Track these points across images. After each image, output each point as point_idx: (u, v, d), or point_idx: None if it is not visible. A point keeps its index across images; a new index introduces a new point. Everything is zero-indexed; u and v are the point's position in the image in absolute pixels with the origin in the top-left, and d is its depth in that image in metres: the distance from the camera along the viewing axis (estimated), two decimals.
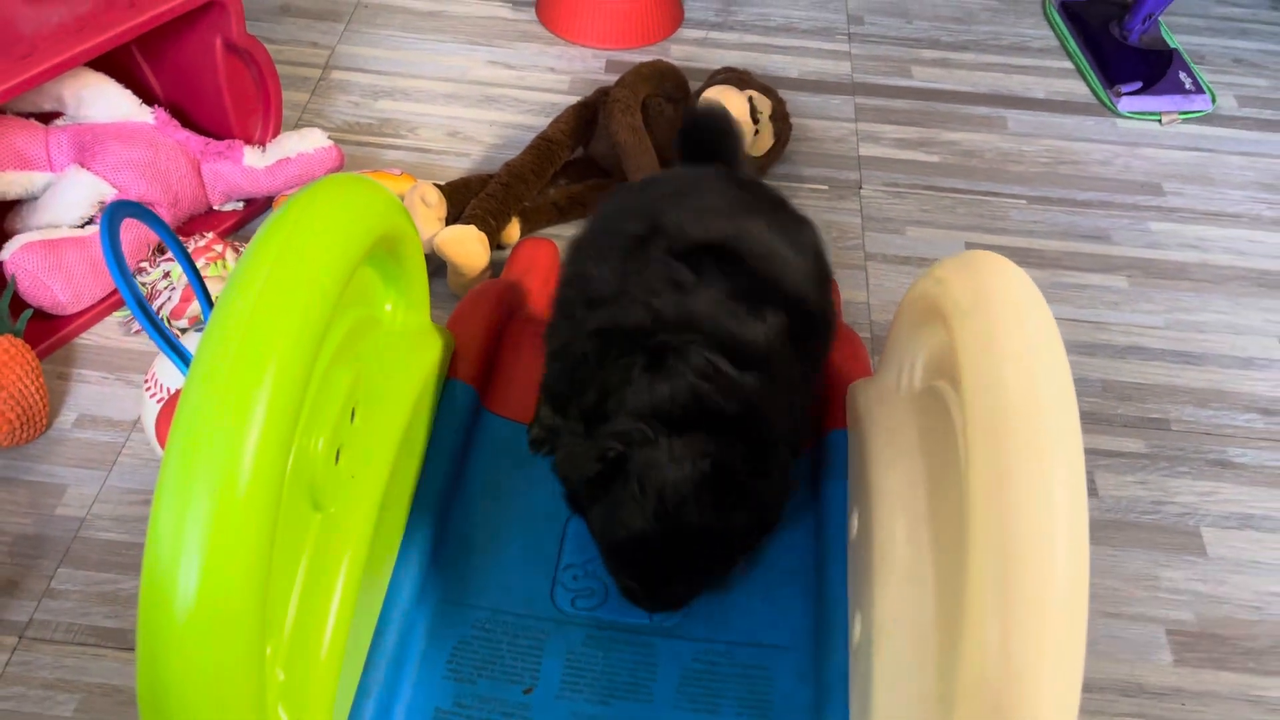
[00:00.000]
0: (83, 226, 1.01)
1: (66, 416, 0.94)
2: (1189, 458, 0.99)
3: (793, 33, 1.45)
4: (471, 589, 0.75)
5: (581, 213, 1.16)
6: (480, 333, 0.89)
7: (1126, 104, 1.35)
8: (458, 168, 1.21)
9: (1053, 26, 1.49)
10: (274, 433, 0.50)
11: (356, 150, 1.21)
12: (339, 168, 1.12)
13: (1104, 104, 1.37)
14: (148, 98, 1.09)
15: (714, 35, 1.43)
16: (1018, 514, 0.51)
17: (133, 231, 1.01)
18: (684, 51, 1.40)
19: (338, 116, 1.26)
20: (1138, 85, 1.36)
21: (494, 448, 0.83)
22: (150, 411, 0.86)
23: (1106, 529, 0.93)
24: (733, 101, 1.15)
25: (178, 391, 0.83)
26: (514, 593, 0.75)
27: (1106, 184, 1.26)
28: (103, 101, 1.05)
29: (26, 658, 0.79)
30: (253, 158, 1.08)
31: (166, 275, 0.99)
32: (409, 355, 0.79)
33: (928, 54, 1.43)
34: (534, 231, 1.13)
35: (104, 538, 0.86)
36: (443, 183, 1.11)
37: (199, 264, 0.98)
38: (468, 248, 1.03)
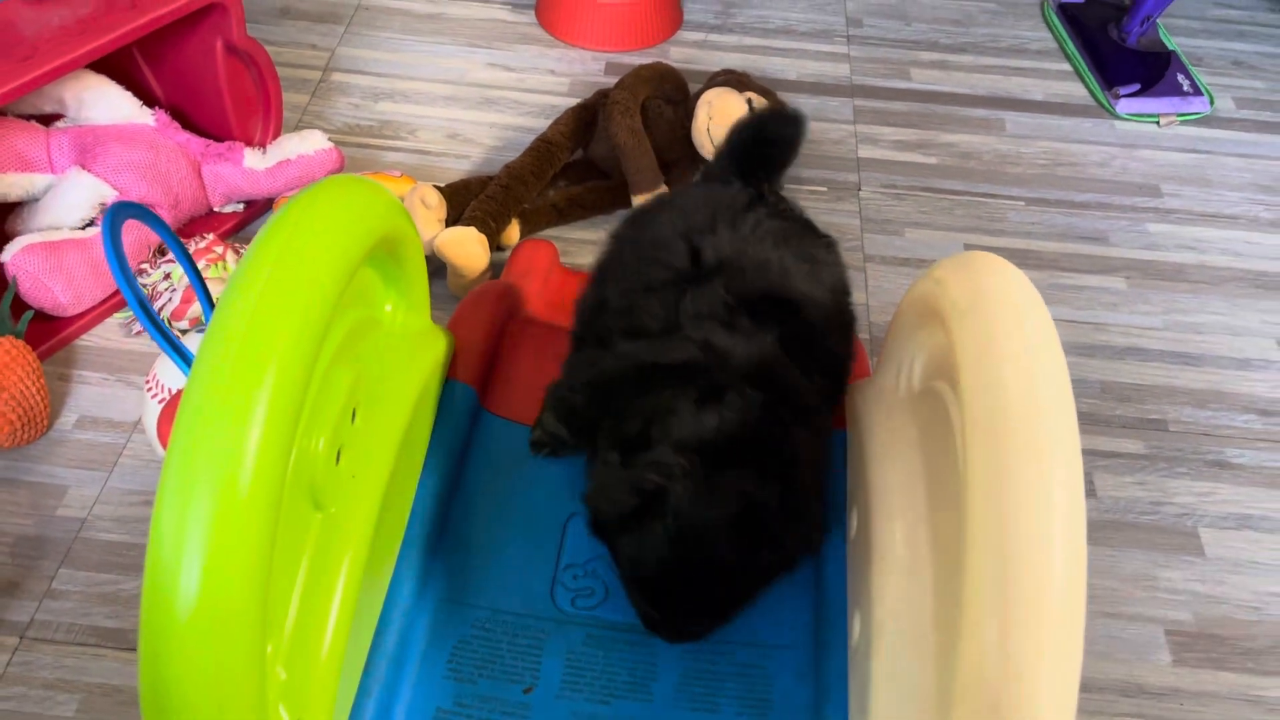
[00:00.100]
0: (84, 228, 1.01)
1: (67, 418, 0.94)
2: (1187, 458, 0.99)
3: (791, 35, 1.45)
4: (471, 589, 0.75)
5: (581, 214, 1.16)
6: (480, 334, 0.89)
7: (1124, 106, 1.35)
8: (457, 169, 1.21)
9: (1051, 29, 1.50)
10: (275, 433, 0.51)
11: (356, 152, 1.21)
12: (339, 169, 1.12)
13: (1102, 106, 1.37)
14: (148, 100, 1.09)
15: (713, 38, 1.44)
16: (1016, 514, 0.51)
17: (133, 233, 1.01)
18: (683, 54, 1.40)
19: (338, 118, 1.26)
20: (1136, 87, 1.36)
21: (494, 448, 0.83)
22: (152, 412, 0.86)
23: (1105, 529, 0.93)
24: (732, 103, 1.15)
25: (179, 392, 0.83)
26: (514, 592, 0.75)
27: (1104, 186, 1.27)
28: (104, 103, 1.06)
29: (27, 658, 0.79)
30: (253, 159, 1.08)
31: (167, 277, 0.99)
32: (409, 356, 0.79)
33: (926, 56, 1.44)
34: (533, 233, 1.13)
35: (105, 538, 0.86)
36: (442, 184, 1.11)
37: (199, 265, 0.99)
38: (467, 249, 1.03)
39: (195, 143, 1.08)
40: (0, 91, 0.86)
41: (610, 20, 1.39)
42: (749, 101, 1.16)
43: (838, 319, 0.78)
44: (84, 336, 1.00)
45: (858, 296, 1.10)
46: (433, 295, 0.85)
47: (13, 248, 0.96)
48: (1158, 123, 1.35)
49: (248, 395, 0.50)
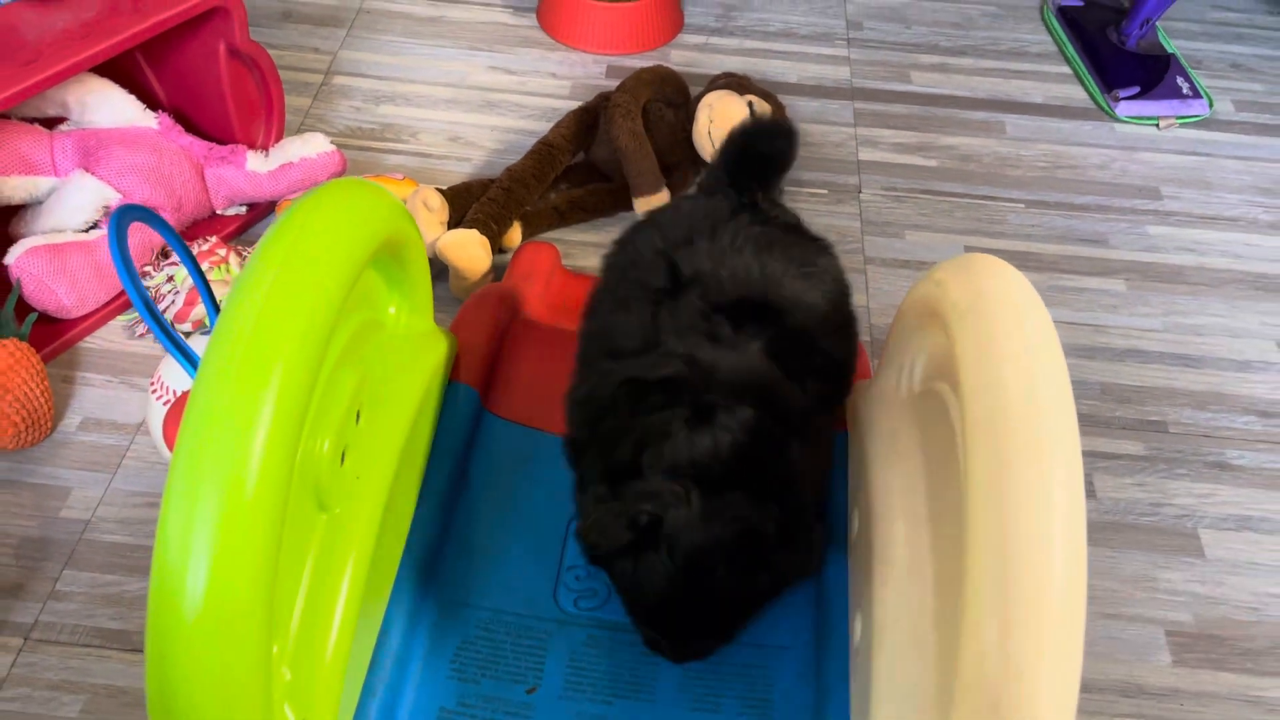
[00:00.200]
0: (87, 231, 1.01)
1: (71, 419, 0.94)
2: (1187, 460, 0.99)
3: (792, 38, 1.46)
4: (474, 589, 0.75)
5: (582, 217, 1.16)
6: (482, 336, 0.89)
7: (1124, 109, 1.36)
8: (459, 172, 1.21)
9: (1050, 32, 1.50)
10: (281, 434, 0.51)
11: (358, 155, 1.22)
12: (341, 172, 1.13)
13: (1102, 109, 1.38)
14: (151, 103, 1.10)
15: (714, 41, 1.44)
16: (1016, 515, 0.51)
17: (136, 236, 1.01)
18: (684, 57, 1.41)
19: (339, 121, 1.27)
20: (1135, 90, 1.36)
21: (496, 450, 0.84)
22: (156, 414, 0.86)
23: (1105, 531, 0.93)
24: (733, 106, 1.15)
25: (184, 394, 0.84)
26: (517, 593, 0.75)
27: (1104, 188, 1.27)
28: (107, 107, 1.06)
29: (32, 659, 0.79)
30: (256, 162, 1.08)
31: (170, 279, 1.00)
32: (412, 358, 0.80)
33: (926, 59, 1.44)
34: (535, 235, 1.14)
35: (108, 540, 0.86)
36: (444, 187, 1.11)
37: (202, 268, 0.99)
38: (469, 252, 1.04)
39: (198, 146, 1.09)
40: (4, 95, 0.87)
41: (611, 23, 1.39)
42: (750, 104, 1.17)
43: (834, 321, 0.76)
44: (87, 339, 1.01)
45: (858, 299, 1.10)
46: (435, 298, 0.85)
47: (16, 250, 0.96)
48: (1157, 125, 1.36)
49: (254, 396, 0.51)
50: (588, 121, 1.18)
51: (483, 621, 0.74)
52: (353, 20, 1.42)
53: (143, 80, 1.11)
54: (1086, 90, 1.40)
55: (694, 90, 1.23)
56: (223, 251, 1.01)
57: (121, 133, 1.05)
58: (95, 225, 1.02)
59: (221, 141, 1.11)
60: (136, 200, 1.02)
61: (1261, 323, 1.13)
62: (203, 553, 0.49)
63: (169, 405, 0.85)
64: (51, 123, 1.07)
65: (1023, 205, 1.24)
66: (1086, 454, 0.97)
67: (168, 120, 1.08)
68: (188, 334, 0.98)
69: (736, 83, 1.21)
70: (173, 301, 0.98)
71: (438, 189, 1.09)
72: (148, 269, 1.01)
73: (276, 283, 0.55)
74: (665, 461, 0.65)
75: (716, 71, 1.28)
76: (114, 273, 0.99)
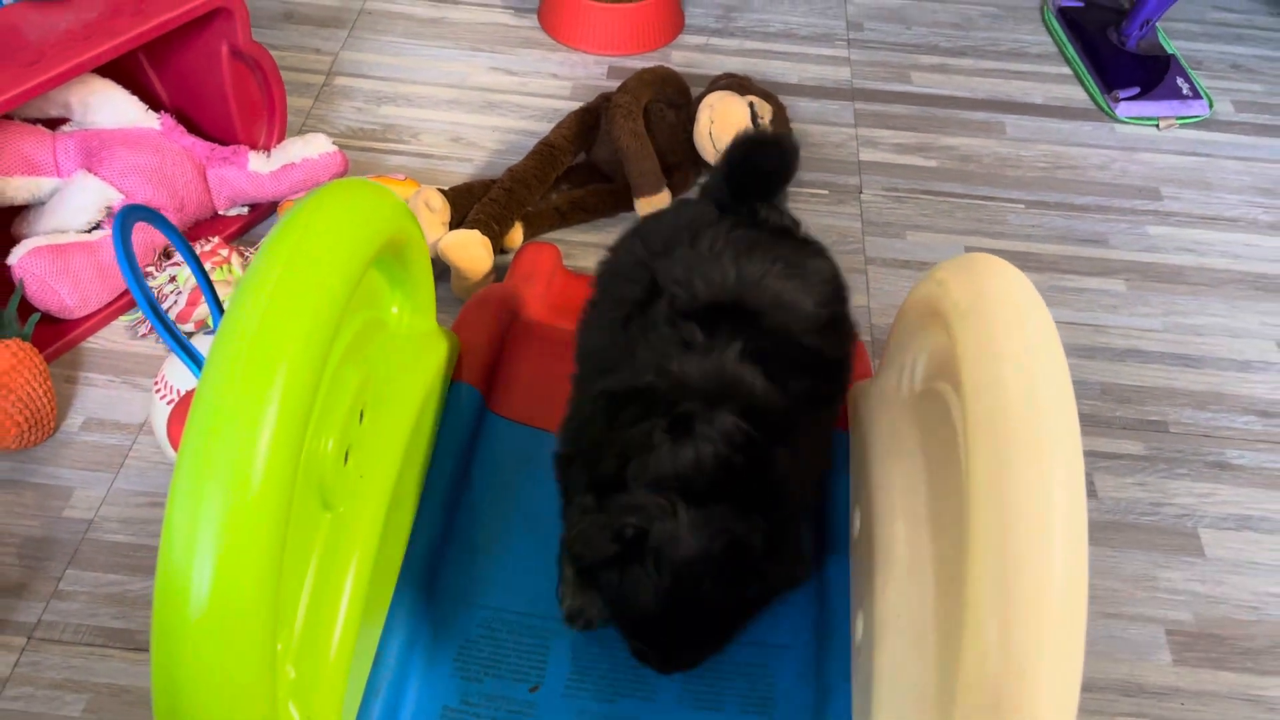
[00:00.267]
0: (89, 231, 1.01)
1: (74, 420, 0.94)
2: (1187, 459, 0.99)
3: (792, 39, 1.46)
4: (477, 588, 0.75)
5: (583, 217, 1.16)
6: (484, 336, 0.89)
7: (1124, 109, 1.36)
8: (461, 173, 1.22)
9: (1051, 32, 1.50)
10: (286, 433, 0.51)
11: (360, 156, 1.22)
12: (343, 173, 1.13)
13: (1102, 109, 1.38)
14: (154, 104, 1.10)
15: (715, 41, 1.44)
16: (1017, 514, 0.51)
17: (138, 236, 1.01)
18: (685, 58, 1.41)
19: (341, 122, 1.27)
20: (1135, 90, 1.37)
21: (499, 449, 0.84)
22: (160, 413, 0.86)
23: (1106, 530, 0.93)
24: (733, 107, 1.16)
25: (188, 393, 0.84)
26: (519, 592, 0.76)
27: (1104, 188, 1.27)
28: (109, 108, 1.06)
29: (35, 658, 0.79)
30: (258, 163, 1.09)
31: (173, 279, 1.00)
32: (415, 358, 0.80)
33: (926, 60, 1.44)
34: (536, 236, 1.14)
35: (111, 539, 0.86)
36: (446, 188, 1.11)
37: (205, 268, 0.99)
38: (471, 252, 1.04)
39: (200, 146, 1.09)
40: (7, 96, 0.87)
41: (612, 24, 1.39)
42: (750, 105, 1.17)
43: (822, 319, 0.74)
44: (90, 339, 1.01)
45: (859, 299, 1.10)
46: (437, 298, 0.85)
47: (19, 250, 0.97)
48: (1157, 126, 1.36)
49: (260, 396, 0.51)
50: (589, 122, 1.18)
51: (485, 620, 0.74)
52: (354, 21, 1.42)
53: (145, 81, 1.12)
54: (1086, 91, 1.41)
55: (695, 91, 1.23)
56: (225, 252, 1.01)
57: (124, 133, 1.05)
58: (98, 226, 1.02)
59: (224, 142, 1.11)
60: (139, 200, 1.02)
61: (1261, 323, 1.13)
62: (208, 551, 0.50)
63: (173, 404, 0.85)
64: (54, 123, 1.07)
65: (1023, 205, 1.24)
66: (1087, 454, 0.98)
67: (170, 121, 1.08)
68: (190, 334, 0.98)
69: (737, 83, 1.21)
70: (175, 301, 0.99)
71: (439, 189, 1.09)
72: (150, 269, 1.02)
73: (281, 282, 0.55)
74: (650, 474, 0.65)
75: (717, 72, 1.28)
76: (116, 273, 0.99)
